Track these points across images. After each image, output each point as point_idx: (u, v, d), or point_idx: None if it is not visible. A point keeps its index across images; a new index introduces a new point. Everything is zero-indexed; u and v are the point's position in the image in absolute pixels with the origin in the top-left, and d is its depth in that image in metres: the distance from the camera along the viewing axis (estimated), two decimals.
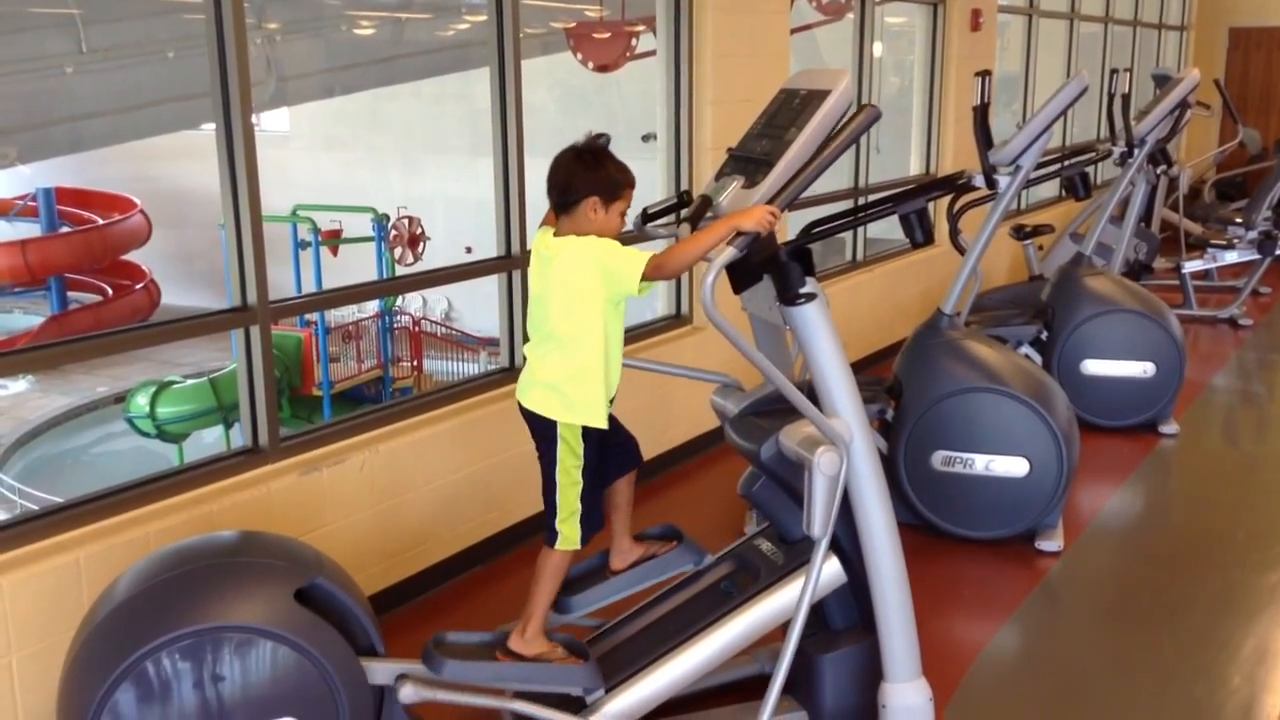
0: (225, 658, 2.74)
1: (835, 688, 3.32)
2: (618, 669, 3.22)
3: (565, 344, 3.07)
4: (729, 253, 2.84)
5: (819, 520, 3.04)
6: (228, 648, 2.74)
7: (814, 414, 3.06)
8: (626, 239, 3.38)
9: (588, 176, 3.04)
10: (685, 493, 5.42)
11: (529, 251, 4.81)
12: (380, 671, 3.02)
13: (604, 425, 3.11)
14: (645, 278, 2.94)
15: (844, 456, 3.04)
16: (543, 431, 3.15)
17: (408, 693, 2.98)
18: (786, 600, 3.27)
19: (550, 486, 3.16)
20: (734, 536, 3.80)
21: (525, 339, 4.96)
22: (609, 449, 3.26)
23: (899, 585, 3.20)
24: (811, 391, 3.22)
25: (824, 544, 3.07)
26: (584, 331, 3.04)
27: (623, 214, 3.11)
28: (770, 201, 2.93)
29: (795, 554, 3.37)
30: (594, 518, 3.20)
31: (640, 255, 2.96)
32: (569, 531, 3.15)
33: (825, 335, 3.11)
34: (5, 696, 3.10)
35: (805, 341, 3.13)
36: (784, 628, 3.44)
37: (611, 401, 3.16)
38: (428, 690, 3.00)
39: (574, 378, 3.08)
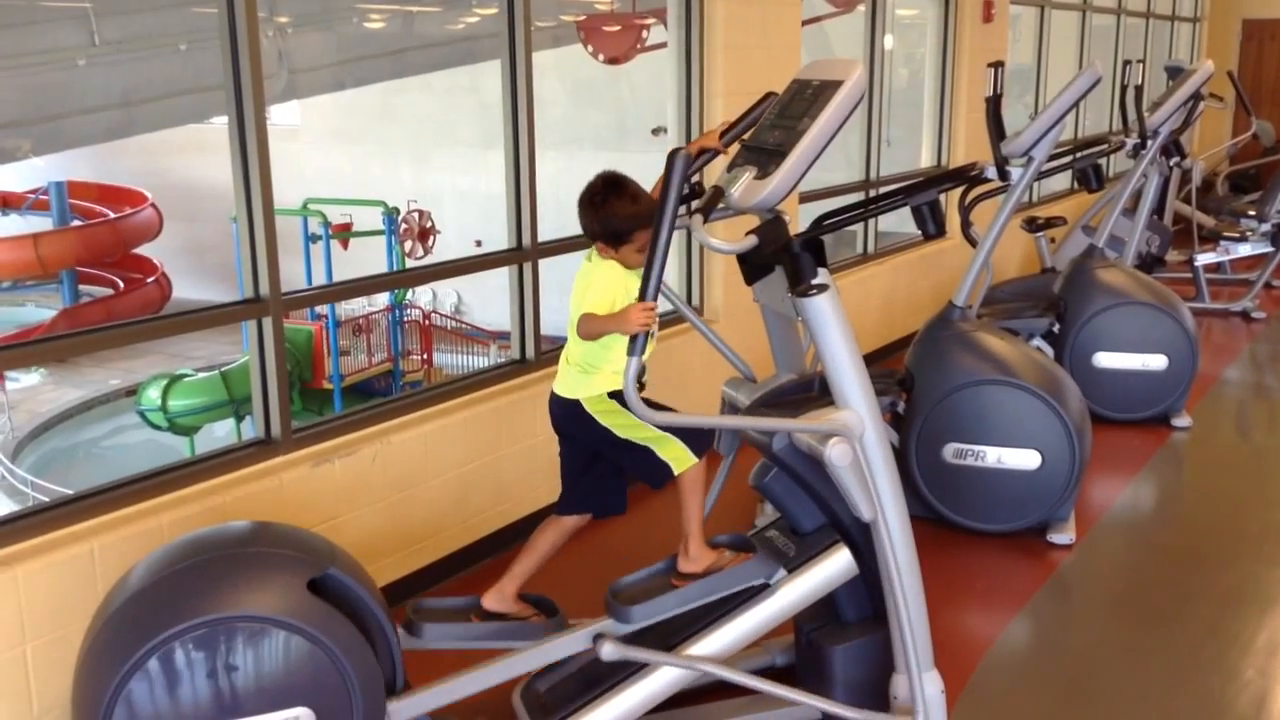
0: (238, 647, 2.75)
1: (847, 679, 3.32)
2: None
3: (582, 345, 3.18)
4: (635, 363, 2.81)
5: (863, 504, 3.09)
6: (241, 637, 2.75)
7: (800, 425, 3.08)
8: None
9: (593, 222, 3.15)
10: None
11: (539, 244, 4.83)
12: (570, 642, 3.18)
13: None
14: (579, 322, 3.07)
15: (855, 447, 3.04)
16: (571, 416, 3.25)
17: (609, 650, 3.07)
18: (800, 592, 3.28)
19: (625, 449, 3.21)
20: (745, 528, 3.80)
21: (538, 343, 4.99)
22: (595, 468, 3.36)
23: (911, 577, 3.19)
24: (824, 383, 3.22)
25: (879, 522, 3.11)
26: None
27: (639, 250, 3.13)
28: (641, 296, 2.83)
29: (807, 546, 3.37)
30: (688, 431, 3.22)
31: (598, 304, 3.07)
32: (675, 453, 3.20)
33: (837, 326, 3.10)
34: (20, 685, 3.11)
35: (817, 333, 3.12)
36: (795, 620, 3.45)
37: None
38: (628, 649, 3.10)
39: (588, 370, 3.23)
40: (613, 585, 3.28)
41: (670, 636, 3.27)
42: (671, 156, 2.79)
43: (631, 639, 3.20)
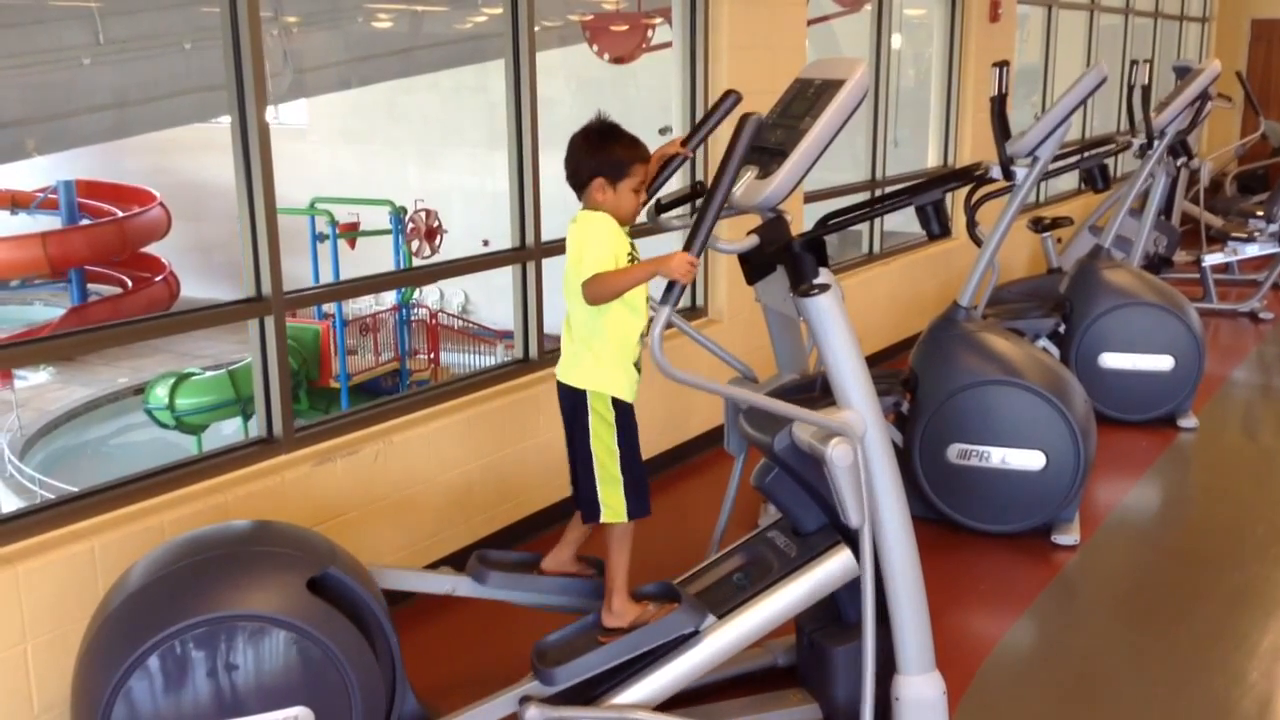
0: (238, 646, 2.75)
1: (848, 680, 3.31)
2: (624, 667, 3.21)
3: (580, 313, 3.11)
4: (666, 312, 2.80)
5: (853, 509, 3.06)
6: (240, 636, 2.75)
7: (807, 415, 3.05)
8: (640, 230, 3.38)
9: (591, 158, 3.07)
10: (700, 484, 5.41)
11: (543, 244, 4.83)
12: (496, 706, 3.12)
13: (629, 398, 3.14)
14: (585, 287, 2.98)
15: (857, 448, 3.03)
16: (573, 403, 3.16)
17: (534, 714, 3.03)
18: (800, 592, 3.27)
19: (586, 459, 3.16)
20: (748, 529, 3.79)
21: (541, 342, 4.98)
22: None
23: (913, 578, 3.18)
24: (825, 383, 3.21)
25: (866, 529, 3.08)
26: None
27: (636, 190, 3.11)
28: (687, 248, 2.86)
29: (809, 546, 3.36)
30: (640, 490, 3.18)
31: (601, 261, 2.98)
32: (613, 501, 3.15)
33: (839, 326, 3.10)
34: (21, 684, 3.12)
35: (819, 333, 3.12)
36: (796, 621, 3.44)
37: (637, 368, 3.17)
38: (553, 710, 3.05)
39: (591, 344, 3.12)
40: (537, 644, 3.20)
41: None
42: (743, 119, 2.85)
43: (561, 697, 3.15)
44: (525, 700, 3.07)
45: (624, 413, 3.15)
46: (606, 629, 3.19)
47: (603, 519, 3.17)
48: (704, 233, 2.85)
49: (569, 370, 3.19)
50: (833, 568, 3.27)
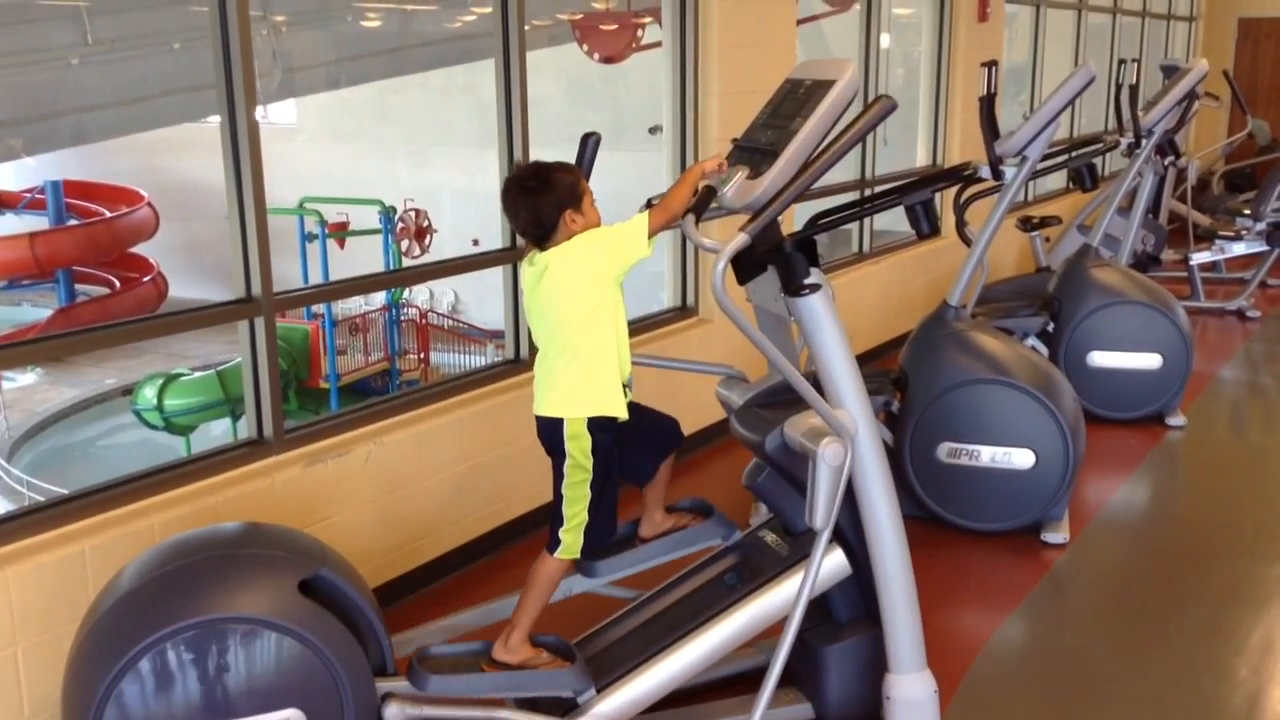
0: (229, 649, 2.74)
1: (840, 679, 3.32)
2: (619, 662, 3.22)
3: (575, 343, 3.04)
4: (740, 238, 2.81)
5: (821, 511, 3.03)
6: (232, 639, 2.74)
7: (819, 403, 3.04)
8: None
9: (549, 198, 3.01)
10: (691, 485, 5.41)
11: None
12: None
13: (620, 414, 3.09)
14: (653, 231, 2.97)
15: (848, 448, 3.03)
16: (552, 437, 3.12)
17: (393, 712, 2.97)
18: (791, 592, 3.26)
19: (559, 496, 3.15)
20: (739, 529, 3.79)
21: (532, 344, 4.97)
22: (641, 438, 3.27)
23: (903, 577, 3.19)
24: (816, 383, 3.21)
25: (825, 535, 3.06)
26: (593, 321, 3.03)
27: (592, 201, 3.10)
28: (779, 194, 2.88)
29: (800, 546, 3.37)
30: (600, 529, 3.16)
31: (636, 218, 2.99)
32: (571, 541, 3.13)
33: (830, 326, 3.10)
34: (11, 687, 3.11)
35: (810, 332, 3.12)
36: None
37: (628, 388, 3.14)
38: (413, 708, 2.99)
39: (588, 372, 3.06)
40: (421, 650, 3.16)
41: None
42: (881, 99, 2.94)
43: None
44: (388, 697, 3.00)
45: (601, 441, 3.08)
46: (494, 660, 3.15)
47: (553, 552, 3.15)
48: (807, 181, 2.95)
49: (544, 400, 3.12)
50: (825, 567, 3.26)
